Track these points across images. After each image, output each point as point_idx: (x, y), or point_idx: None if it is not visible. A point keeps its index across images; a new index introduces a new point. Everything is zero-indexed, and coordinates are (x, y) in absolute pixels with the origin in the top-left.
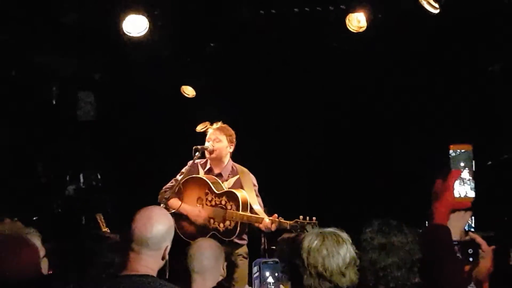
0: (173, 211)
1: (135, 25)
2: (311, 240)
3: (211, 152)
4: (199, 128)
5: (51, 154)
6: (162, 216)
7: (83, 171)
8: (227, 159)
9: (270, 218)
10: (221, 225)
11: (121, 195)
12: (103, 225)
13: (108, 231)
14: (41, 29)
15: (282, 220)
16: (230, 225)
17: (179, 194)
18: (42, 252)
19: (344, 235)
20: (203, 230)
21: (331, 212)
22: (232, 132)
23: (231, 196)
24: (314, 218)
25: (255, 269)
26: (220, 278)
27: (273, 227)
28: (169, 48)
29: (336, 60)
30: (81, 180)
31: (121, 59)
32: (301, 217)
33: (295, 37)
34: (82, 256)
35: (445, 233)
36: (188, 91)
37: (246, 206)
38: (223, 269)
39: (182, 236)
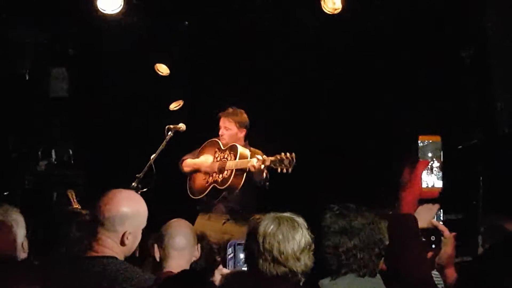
0: (187, 170)
1: (110, 2)
2: (267, 225)
3: (222, 137)
4: (173, 106)
5: (23, 129)
6: (126, 199)
7: (55, 147)
8: (242, 142)
9: (256, 157)
10: (220, 176)
11: (93, 172)
12: (74, 201)
13: (79, 207)
14: (14, 3)
15: (264, 157)
16: (226, 174)
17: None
18: (23, 231)
19: (300, 220)
20: (205, 184)
21: (296, 197)
22: (241, 117)
23: (233, 148)
24: (293, 153)
25: (229, 250)
26: (193, 259)
27: (257, 165)
28: (143, 26)
29: (310, 42)
30: (53, 156)
31: (95, 36)
32: (282, 153)
33: (269, 18)
34: (51, 234)
35: (411, 222)
36: (162, 69)
37: (244, 157)
38: (197, 250)
39: (191, 196)
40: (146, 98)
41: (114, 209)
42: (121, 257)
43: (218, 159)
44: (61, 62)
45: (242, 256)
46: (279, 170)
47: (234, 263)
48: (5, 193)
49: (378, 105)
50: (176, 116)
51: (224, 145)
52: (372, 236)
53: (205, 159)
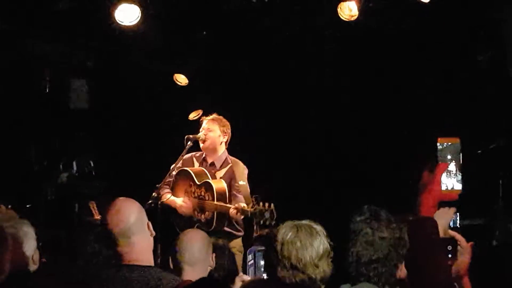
0: (164, 203)
1: (127, 14)
2: (285, 232)
3: (203, 141)
4: (192, 116)
5: (44, 141)
6: (127, 202)
7: (76, 158)
8: (221, 149)
9: (235, 206)
10: (202, 216)
11: (114, 183)
12: (96, 213)
13: (101, 219)
14: (34, 17)
15: (245, 208)
16: (208, 215)
17: (172, 188)
18: (34, 243)
19: (318, 227)
20: (190, 222)
21: (319, 201)
22: (226, 123)
23: (208, 186)
24: (272, 204)
25: (249, 257)
26: (209, 269)
27: (239, 216)
28: (161, 37)
29: (327, 49)
30: (74, 167)
31: (113, 48)
32: (261, 203)
33: (286, 26)
34: (72, 246)
35: (431, 225)
36: (181, 79)
37: (222, 196)
38: (212, 260)
39: (177, 228)
40: (165, 108)
41: (129, 213)
42: (151, 258)
43: (195, 195)
44: (81, 74)
45: (262, 262)
46: (261, 222)
47: (255, 270)
48: (27, 206)
49: (397, 107)
50: (196, 126)
51: (195, 171)
52: (397, 251)
53: (182, 204)
